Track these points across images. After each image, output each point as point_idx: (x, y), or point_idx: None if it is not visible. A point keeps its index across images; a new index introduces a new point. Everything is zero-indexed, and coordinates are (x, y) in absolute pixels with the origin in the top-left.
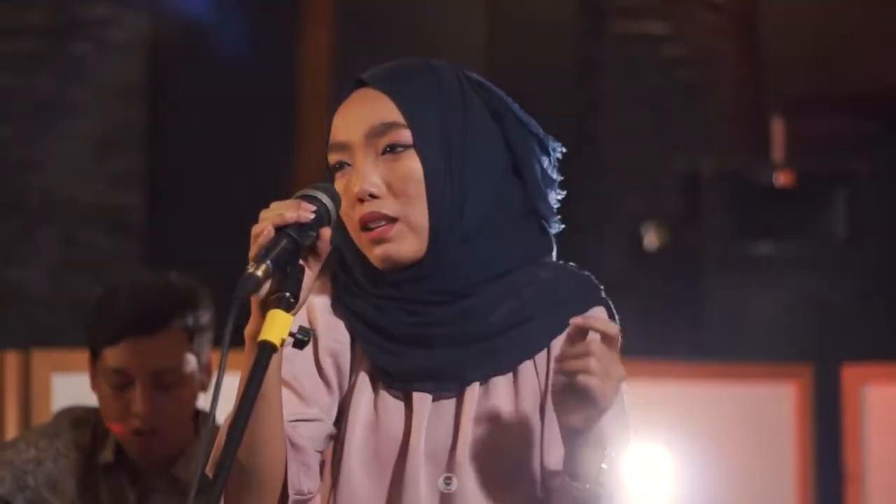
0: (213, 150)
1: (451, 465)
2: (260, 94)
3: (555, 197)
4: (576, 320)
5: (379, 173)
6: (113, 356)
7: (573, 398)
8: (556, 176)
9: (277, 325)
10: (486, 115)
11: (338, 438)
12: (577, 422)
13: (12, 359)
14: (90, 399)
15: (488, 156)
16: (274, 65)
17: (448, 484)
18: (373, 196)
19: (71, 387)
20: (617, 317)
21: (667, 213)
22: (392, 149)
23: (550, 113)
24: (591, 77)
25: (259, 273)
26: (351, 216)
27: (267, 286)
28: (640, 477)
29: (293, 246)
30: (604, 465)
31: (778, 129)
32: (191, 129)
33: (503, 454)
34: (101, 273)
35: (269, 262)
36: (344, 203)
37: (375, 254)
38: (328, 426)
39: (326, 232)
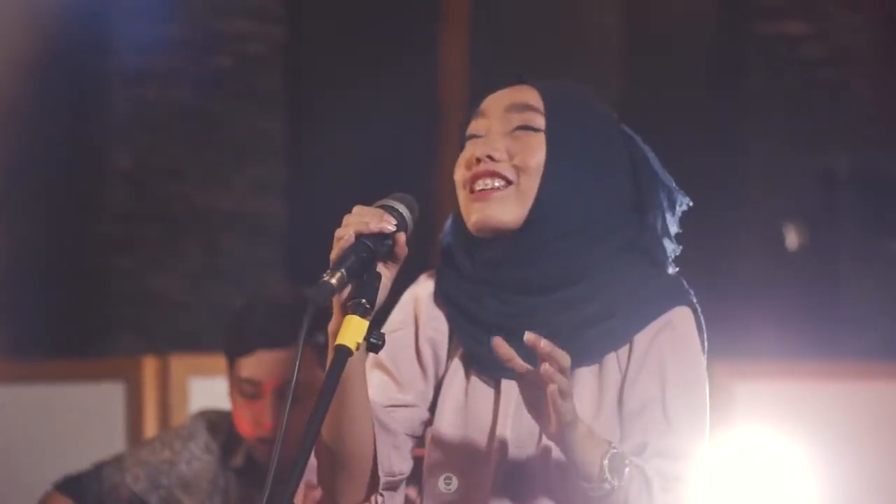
0: (351, 159)
1: (537, 451)
2: (399, 103)
3: (672, 247)
4: (528, 337)
5: (505, 144)
6: (245, 367)
7: (537, 409)
8: (675, 228)
9: (353, 330)
10: (625, 153)
11: (430, 421)
12: (549, 430)
13: (151, 363)
14: (226, 402)
15: (611, 180)
16: (413, 72)
17: (448, 484)
18: (492, 159)
19: (207, 390)
20: (703, 319)
21: (806, 213)
22: (524, 128)
23: (691, 114)
24: (732, 78)
25: (333, 281)
26: (464, 178)
27: (347, 290)
28: (777, 476)
29: (369, 254)
30: (605, 462)
31: None
32: (330, 137)
33: None
34: (242, 280)
35: (343, 270)
36: (461, 169)
37: (473, 220)
38: (423, 412)
39: (402, 237)
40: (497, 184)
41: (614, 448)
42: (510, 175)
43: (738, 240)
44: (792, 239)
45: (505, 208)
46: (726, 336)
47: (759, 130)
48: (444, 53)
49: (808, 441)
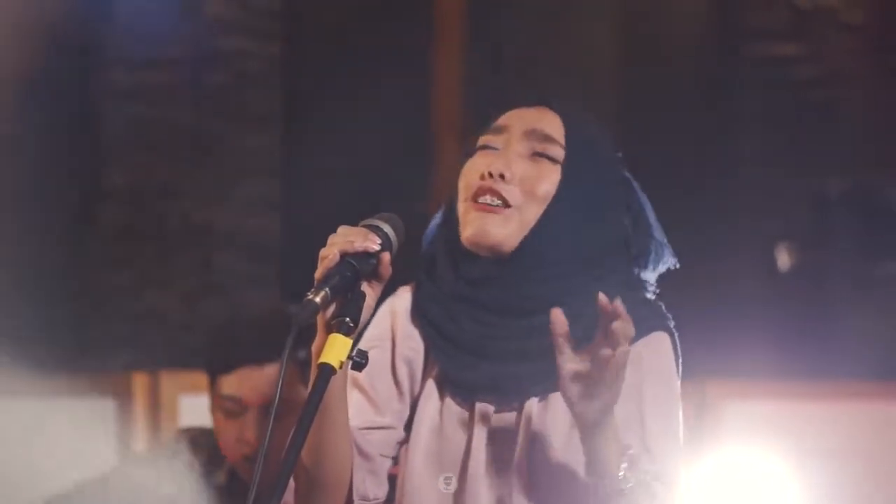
0: (346, 177)
1: (510, 475)
2: (393, 122)
3: (651, 288)
4: (602, 298)
5: (521, 168)
6: (227, 384)
7: (584, 388)
8: (651, 285)
9: (337, 349)
10: (625, 199)
11: (405, 440)
12: (591, 411)
13: (141, 379)
14: None
15: (610, 223)
16: (407, 91)
17: (448, 484)
18: (503, 178)
19: (198, 408)
20: (679, 347)
21: (798, 234)
22: (541, 155)
23: (683, 135)
24: (724, 99)
25: (317, 300)
26: (469, 186)
27: (332, 308)
28: (765, 496)
29: (353, 273)
30: (624, 464)
31: None
32: (325, 155)
33: (560, 468)
34: (237, 297)
35: (327, 289)
36: (471, 176)
37: (469, 232)
38: (399, 433)
39: (386, 256)
40: (497, 202)
41: (630, 450)
42: (513, 199)
43: (729, 260)
44: (783, 260)
45: (504, 228)
46: (717, 356)
47: (751, 151)
48: (437, 72)
49: (797, 461)
